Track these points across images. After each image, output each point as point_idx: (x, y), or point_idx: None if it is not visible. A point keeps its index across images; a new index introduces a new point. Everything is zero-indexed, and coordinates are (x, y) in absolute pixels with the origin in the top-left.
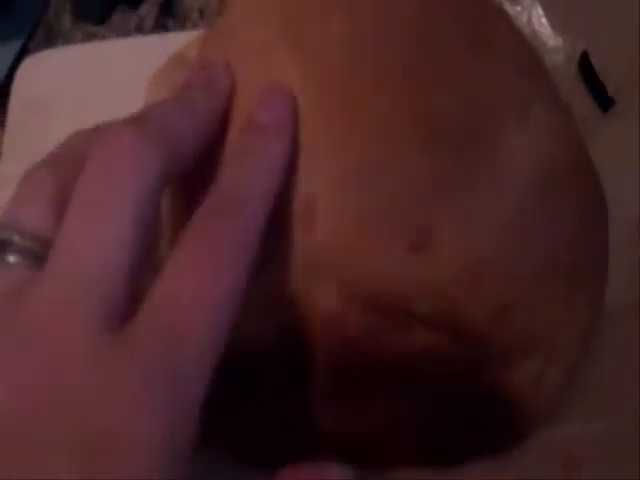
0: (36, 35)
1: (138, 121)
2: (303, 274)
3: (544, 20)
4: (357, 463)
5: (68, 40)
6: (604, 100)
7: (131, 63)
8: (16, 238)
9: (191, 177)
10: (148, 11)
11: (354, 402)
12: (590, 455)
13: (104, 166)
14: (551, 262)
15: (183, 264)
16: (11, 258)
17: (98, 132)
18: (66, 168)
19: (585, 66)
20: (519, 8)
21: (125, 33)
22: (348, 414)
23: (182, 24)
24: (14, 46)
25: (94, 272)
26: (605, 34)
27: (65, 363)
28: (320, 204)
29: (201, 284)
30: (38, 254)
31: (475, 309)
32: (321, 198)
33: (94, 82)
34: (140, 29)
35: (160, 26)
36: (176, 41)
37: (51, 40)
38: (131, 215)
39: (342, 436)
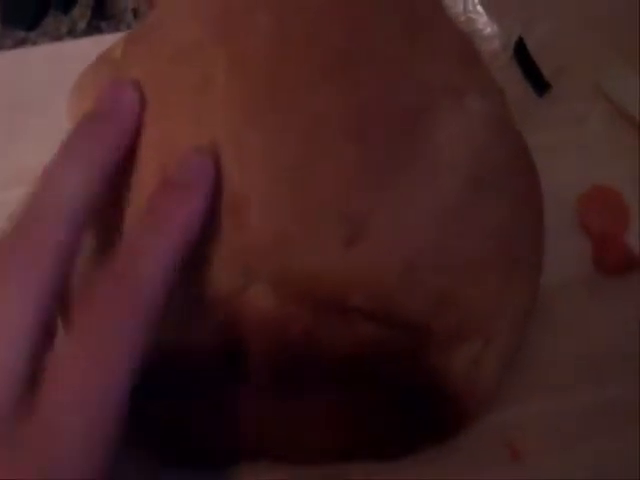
0: None
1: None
2: (237, 273)
3: (480, 8)
4: (297, 460)
5: None
6: (540, 84)
7: (63, 67)
8: None
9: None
10: (80, 14)
11: (293, 399)
12: (533, 435)
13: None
14: (486, 249)
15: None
16: None
17: None
18: None
19: (521, 52)
20: None
21: (57, 37)
22: (287, 411)
23: (116, 26)
24: None
25: None
26: (541, 20)
27: None
28: (252, 203)
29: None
30: None
31: (411, 299)
32: (253, 197)
33: (26, 88)
34: (72, 32)
35: (94, 29)
36: (110, 43)
37: None
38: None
39: (282, 433)
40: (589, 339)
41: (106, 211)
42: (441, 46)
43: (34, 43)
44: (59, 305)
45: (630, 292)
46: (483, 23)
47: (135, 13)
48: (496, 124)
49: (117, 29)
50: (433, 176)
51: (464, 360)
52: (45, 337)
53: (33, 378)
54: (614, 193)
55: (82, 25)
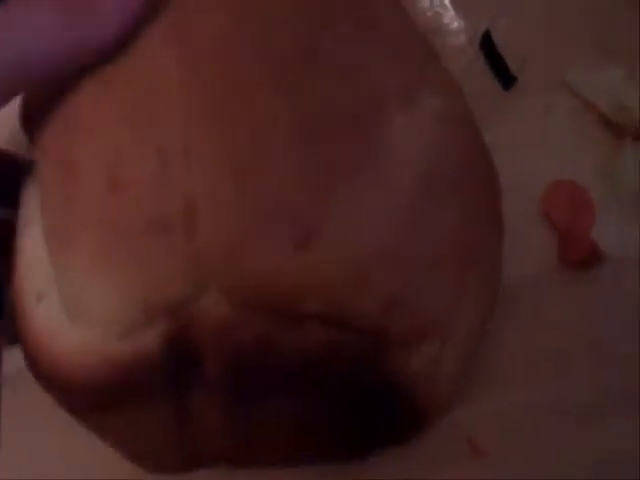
0: None
1: None
2: (190, 282)
3: (447, 2)
4: (258, 465)
5: None
6: (506, 78)
7: None
8: None
9: None
10: None
11: (250, 405)
12: (494, 431)
13: None
14: (438, 250)
15: None
16: None
17: None
18: None
19: (487, 46)
20: None
21: None
22: (246, 417)
23: None
24: None
25: None
26: (507, 14)
27: None
28: (201, 211)
29: None
30: None
31: (365, 302)
32: (201, 205)
33: None
34: None
35: None
36: None
37: None
38: None
39: (239, 439)
40: (552, 334)
41: None
42: (393, 46)
43: None
44: None
45: (594, 287)
46: (450, 17)
47: None
48: (450, 122)
49: None
50: (383, 177)
51: (422, 361)
52: None
53: None
54: (579, 188)
55: None
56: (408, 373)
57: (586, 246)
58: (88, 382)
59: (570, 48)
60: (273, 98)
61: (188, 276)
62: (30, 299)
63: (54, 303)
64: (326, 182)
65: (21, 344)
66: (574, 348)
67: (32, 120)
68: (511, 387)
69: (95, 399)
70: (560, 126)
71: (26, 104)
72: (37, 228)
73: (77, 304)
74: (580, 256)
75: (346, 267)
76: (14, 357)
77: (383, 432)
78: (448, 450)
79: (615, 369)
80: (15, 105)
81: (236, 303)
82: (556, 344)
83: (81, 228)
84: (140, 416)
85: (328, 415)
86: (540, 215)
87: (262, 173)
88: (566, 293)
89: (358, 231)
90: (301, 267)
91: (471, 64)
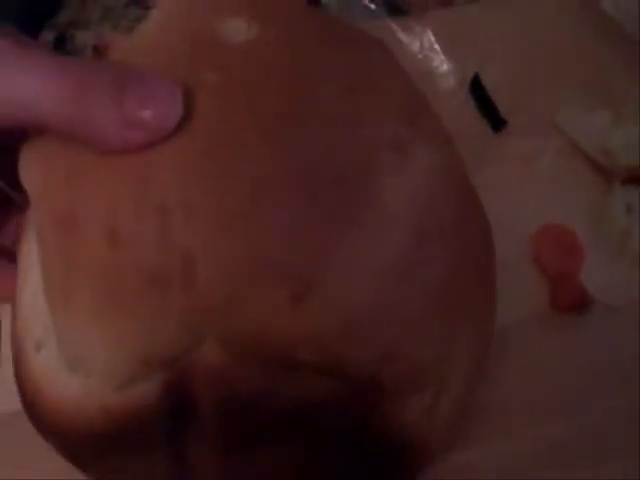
0: None
1: None
2: (184, 333)
3: (436, 46)
4: None
5: None
6: (496, 121)
7: None
8: None
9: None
10: None
11: (243, 453)
12: (488, 476)
13: None
14: (431, 302)
15: None
16: None
17: None
18: None
19: (477, 89)
20: (411, 36)
21: None
22: (237, 465)
23: None
24: None
25: None
26: (496, 58)
27: None
28: (199, 264)
29: None
30: None
31: (358, 353)
32: (200, 258)
33: None
34: None
35: None
36: None
37: None
38: None
39: None
40: (545, 378)
41: None
42: (384, 102)
43: None
44: None
45: (584, 330)
46: (439, 61)
47: (94, 50)
48: (441, 175)
49: None
50: (376, 233)
51: (417, 410)
52: None
53: None
54: (568, 232)
55: None
56: (402, 422)
57: (576, 290)
58: (86, 430)
59: (559, 91)
60: (267, 156)
61: (185, 327)
62: (29, 347)
63: (53, 352)
64: (320, 239)
65: (20, 391)
66: (564, 392)
67: (31, 166)
68: (503, 432)
69: (93, 447)
70: (549, 168)
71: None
72: (36, 278)
73: (76, 356)
74: (570, 300)
75: (339, 320)
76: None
77: (377, 477)
78: None
79: (605, 414)
80: None
81: (233, 353)
82: (547, 388)
83: (80, 283)
84: (137, 464)
85: (321, 462)
86: (530, 258)
87: (257, 229)
88: (556, 338)
89: (350, 286)
90: (296, 319)
91: (461, 106)
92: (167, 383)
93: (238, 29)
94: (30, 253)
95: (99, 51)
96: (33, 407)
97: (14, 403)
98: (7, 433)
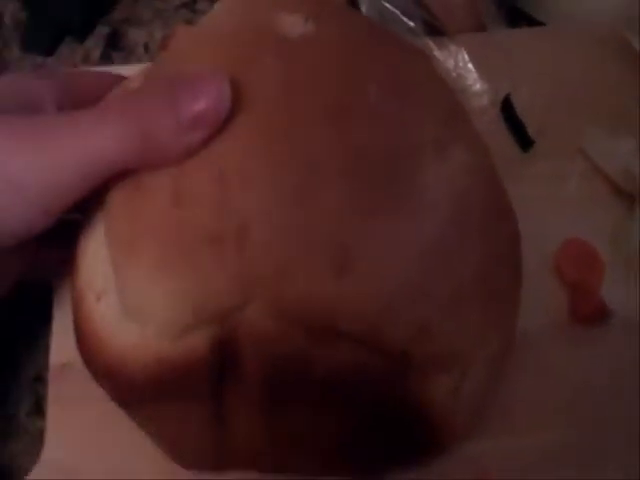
0: None
1: None
2: (237, 292)
3: (470, 66)
4: (281, 470)
5: (17, 70)
6: (524, 141)
7: None
8: None
9: None
10: (94, 44)
11: (280, 415)
12: (501, 469)
13: None
14: (465, 285)
15: None
16: None
17: None
18: None
19: (508, 109)
20: (446, 53)
21: (72, 64)
22: (276, 424)
23: (127, 58)
24: None
25: None
26: (527, 80)
27: None
28: (253, 230)
29: None
30: None
31: (393, 328)
32: (254, 224)
33: None
34: (86, 61)
35: (106, 59)
36: (120, 74)
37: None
38: None
39: (269, 447)
40: (558, 384)
41: None
42: (428, 104)
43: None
44: None
45: (601, 341)
46: (473, 79)
47: (146, 48)
48: (478, 172)
49: (127, 61)
50: (416, 214)
51: (443, 389)
52: None
53: None
54: (589, 247)
55: (96, 54)
56: (429, 400)
57: (595, 302)
58: (140, 376)
59: (586, 116)
60: (321, 138)
61: (237, 287)
62: (90, 297)
63: (112, 302)
64: (368, 217)
65: (78, 339)
66: (578, 399)
67: None
68: (519, 429)
69: (145, 392)
70: (573, 189)
71: None
72: (99, 233)
73: (135, 305)
74: (589, 312)
75: (377, 295)
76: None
77: (401, 452)
78: (457, 477)
79: (614, 421)
80: None
81: (279, 317)
82: (562, 394)
83: (144, 236)
84: (183, 414)
85: (352, 430)
86: (552, 271)
87: (310, 202)
88: (574, 346)
89: (389, 263)
90: (339, 290)
91: (491, 125)
92: (216, 339)
93: (296, 23)
94: (92, 210)
95: (162, 43)
96: (90, 354)
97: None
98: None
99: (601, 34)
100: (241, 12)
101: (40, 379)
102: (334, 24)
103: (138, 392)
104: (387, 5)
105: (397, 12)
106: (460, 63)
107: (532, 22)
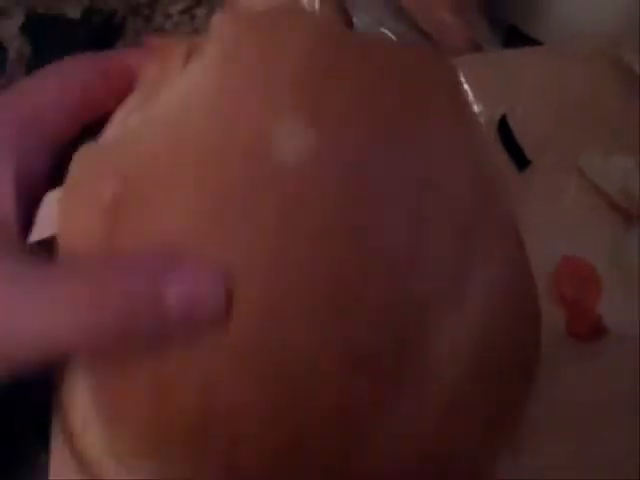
0: None
1: None
2: None
3: (465, 86)
4: None
5: None
6: (521, 160)
7: None
8: None
9: None
10: None
11: None
12: None
13: None
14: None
15: None
16: None
17: None
18: None
19: (503, 129)
20: None
21: None
22: None
23: None
24: None
25: None
26: (523, 101)
27: None
28: (240, 431)
29: None
30: None
31: None
32: (242, 425)
33: None
34: None
35: None
36: None
37: None
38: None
39: None
40: (559, 400)
41: None
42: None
43: None
44: None
45: (599, 358)
46: (469, 101)
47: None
48: (502, 300)
49: None
50: (421, 395)
51: None
52: None
53: None
54: (587, 265)
55: None
56: None
57: (592, 320)
58: None
59: (583, 135)
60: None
61: None
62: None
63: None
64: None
65: None
66: (576, 415)
67: None
68: (517, 446)
69: None
70: (571, 207)
71: None
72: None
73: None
74: (586, 329)
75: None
76: None
77: None
78: None
79: (613, 437)
80: None
81: None
82: (559, 410)
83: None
84: None
85: None
86: (549, 288)
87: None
88: (571, 363)
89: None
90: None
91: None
92: None
93: (294, 133)
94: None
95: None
96: None
97: None
98: None
99: (598, 53)
100: (227, 105)
101: None
102: (342, 131)
103: None
104: (385, 30)
105: (393, 38)
106: None
107: (528, 41)
